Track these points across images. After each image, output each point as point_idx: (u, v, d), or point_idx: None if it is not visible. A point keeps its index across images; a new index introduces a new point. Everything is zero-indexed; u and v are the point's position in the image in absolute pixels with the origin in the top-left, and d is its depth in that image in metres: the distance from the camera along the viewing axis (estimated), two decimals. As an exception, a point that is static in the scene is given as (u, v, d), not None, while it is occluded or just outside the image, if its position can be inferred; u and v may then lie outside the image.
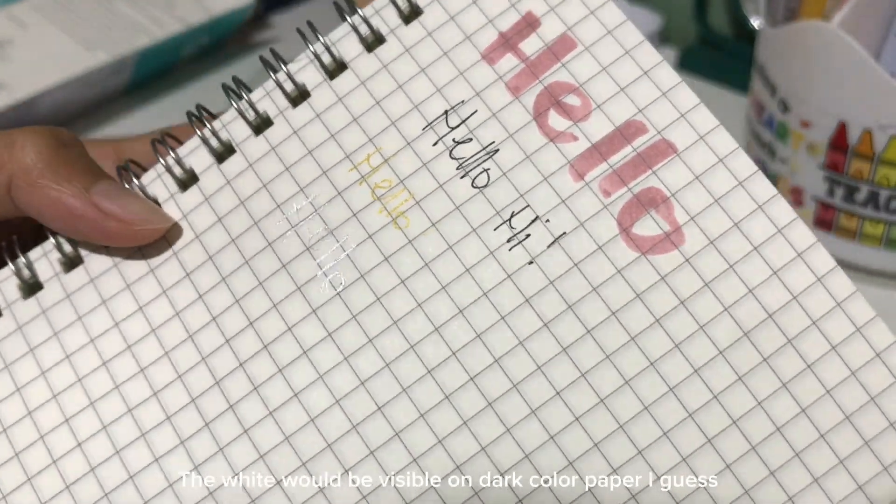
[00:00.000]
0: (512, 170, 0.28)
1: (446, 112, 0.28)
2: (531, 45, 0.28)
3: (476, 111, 0.28)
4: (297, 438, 0.27)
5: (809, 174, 0.51)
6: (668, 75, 0.28)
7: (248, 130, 0.32)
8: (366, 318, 0.28)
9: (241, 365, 0.28)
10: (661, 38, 0.78)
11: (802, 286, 0.27)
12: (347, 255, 0.28)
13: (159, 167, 0.32)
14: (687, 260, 0.27)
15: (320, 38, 0.32)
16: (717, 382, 0.27)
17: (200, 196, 0.31)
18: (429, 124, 0.29)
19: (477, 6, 0.29)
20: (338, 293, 0.28)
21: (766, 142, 0.53)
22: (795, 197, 0.52)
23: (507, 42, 0.28)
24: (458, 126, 0.28)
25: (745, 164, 0.27)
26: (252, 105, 0.32)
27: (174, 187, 0.32)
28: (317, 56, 0.31)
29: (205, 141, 0.32)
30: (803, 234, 0.27)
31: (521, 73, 0.28)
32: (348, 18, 0.32)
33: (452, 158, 0.28)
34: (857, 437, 0.27)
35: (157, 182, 0.32)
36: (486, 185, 0.27)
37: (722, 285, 0.27)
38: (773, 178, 0.53)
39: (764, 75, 0.52)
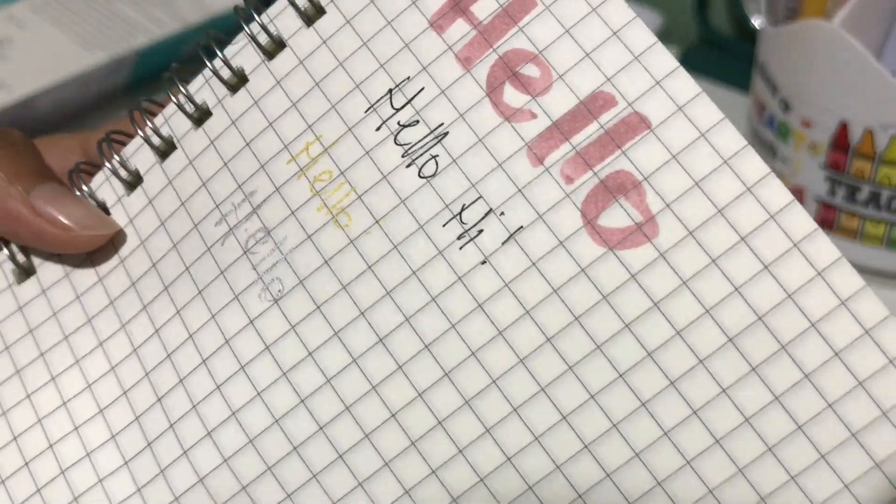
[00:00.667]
0: (462, 156, 0.24)
1: (390, 91, 0.24)
2: (484, 8, 0.24)
3: (423, 89, 0.24)
4: (236, 461, 0.25)
5: (811, 174, 0.51)
6: (642, 35, 0.24)
7: (188, 124, 0.30)
8: (304, 329, 0.25)
9: (181, 381, 0.26)
10: (661, 38, 0.78)
11: (800, 282, 0.23)
12: (285, 258, 0.25)
13: (106, 170, 0.31)
14: (662, 255, 0.23)
15: (256, 16, 0.29)
16: (698, 396, 0.23)
17: (145, 198, 0.30)
18: (371, 106, 0.25)
19: None
20: (275, 301, 0.26)
21: (767, 141, 0.53)
22: (797, 197, 0.52)
23: (458, 5, 0.24)
24: (403, 107, 0.24)
25: (731, 139, 0.23)
26: (189, 97, 0.30)
27: (121, 190, 0.30)
28: (252, 37, 0.29)
29: (146, 140, 0.30)
30: (801, 220, 0.24)
31: (473, 42, 0.24)
32: None
33: (397, 145, 0.24)
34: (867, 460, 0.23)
35: (105, 185, 0.31)
36: (433, 175, 0.24)
37: (703, 283, 0.23)
38: (774, 178, 0.53)
39: (765, 75, 0.52)
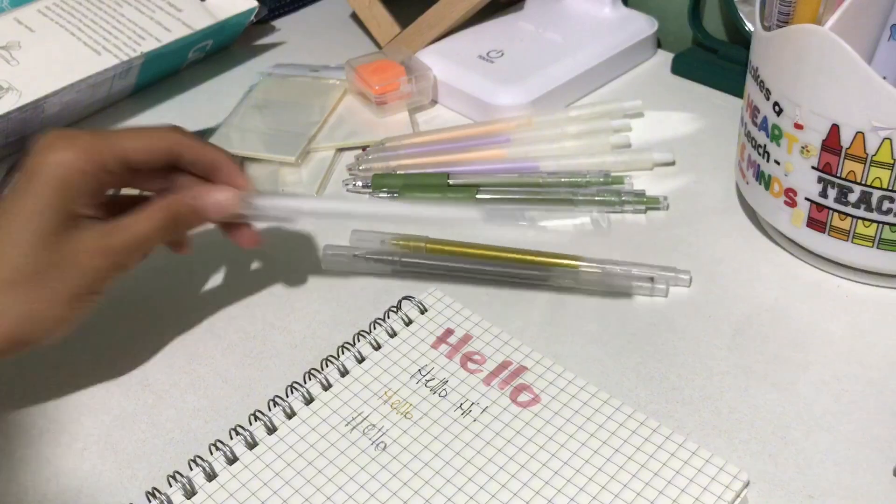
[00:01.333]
0: (460, 384, 0.49)
1: (420, 370, 0.50)
2: (453, 340, 0.51)
3: (434, 368, 0.50)
4: None
5: (803, 175, 0.52)
6: (503, 336, 0.51)
7: None
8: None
9: None
10: (656, 42, 0.79)
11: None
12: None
13: None
14: (545, 406, 0.47)
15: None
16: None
17: None
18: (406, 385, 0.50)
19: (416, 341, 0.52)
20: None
21: (760, 144, 0.54)
22: (789, 198, 0.53)
23: (441, 340, 0.51)
24: (426, 375, 0.49)
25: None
26: None
27: None
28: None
29: None
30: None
31: (451, 351, 0.50)
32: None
33: (436, 396, 0.48)
34: None
35: None
36: (444, 395, 0.48)
37: (562, 414, 0.47)
38: (768, 180, 0.54)
39: (758, 78, 0.53)
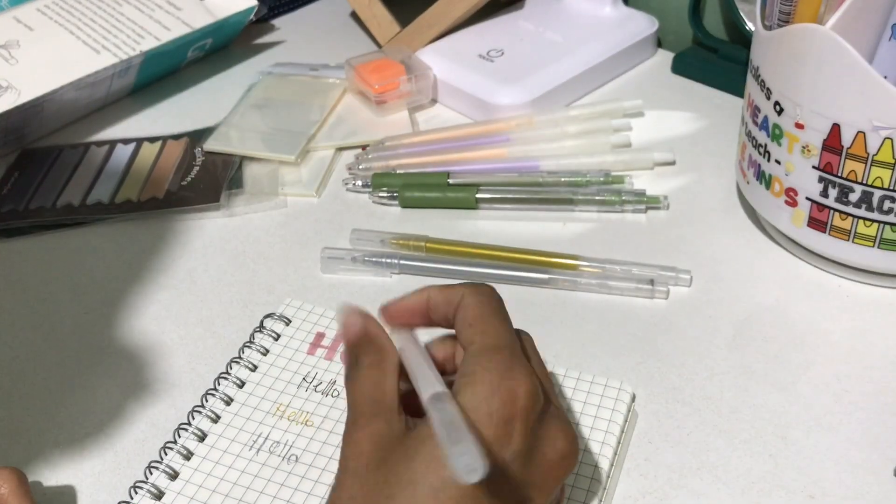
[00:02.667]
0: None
1: (304, 378, 0.49)
2: (326, 342, 0.51)
3: (318, 372, 0.49)
4: None
5: (804, 175, 0.51)
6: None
7: None
8: None
9: None
10: (656, 42, 0.79)
11: None
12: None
13: None
14: None
15: None
16: None
17: None
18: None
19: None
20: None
21: (760, 143, 0.54)
22: (790, 197, 0.53)
23: (315, 345, 0.50)
24: (312, 381, 0.49)
25: None
26: None
27: None
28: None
29: None
30: None
31: (329, 353, 0.50)
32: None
33: (317, 392, 0.48)
34: None
35: None
36: (336, 395, 0.48)
37: None
38: (769, 180, 0.54)
39: (758, 78, 0.53)
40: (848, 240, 0.52)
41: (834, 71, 0.47)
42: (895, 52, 0.53)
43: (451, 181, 0.63)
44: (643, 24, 0.77)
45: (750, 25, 0.72)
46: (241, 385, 0.49)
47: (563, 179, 0.62)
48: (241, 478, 0.44)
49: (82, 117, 0.74)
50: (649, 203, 0.61)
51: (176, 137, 0.71)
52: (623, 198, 0.61)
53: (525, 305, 0.54)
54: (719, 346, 0.51)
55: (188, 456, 0.45)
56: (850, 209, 0.50)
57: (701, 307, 0.53)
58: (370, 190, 0.64)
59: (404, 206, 0.63)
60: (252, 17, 0.80)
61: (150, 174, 0.66)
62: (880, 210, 0.50)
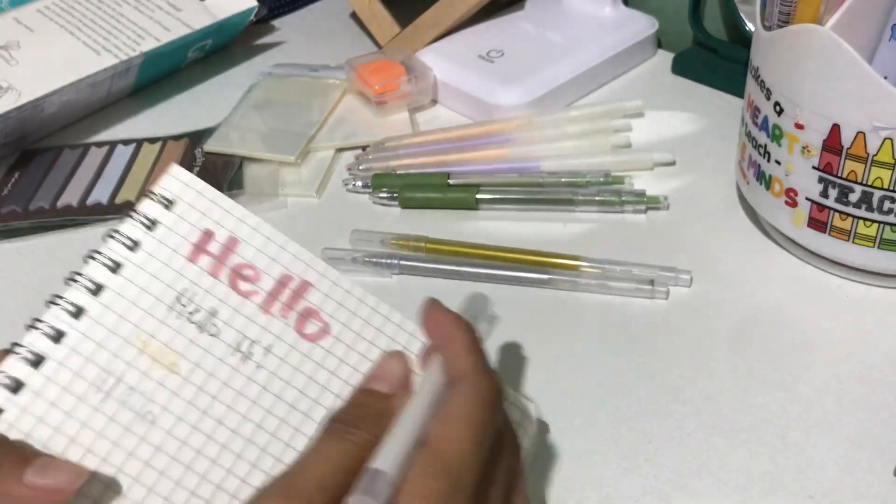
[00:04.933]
0: (231, 319, 0.39)
1: (178, 299, 0.38)
2: (215, 248, 0.39)
3: (198, 293, 0.39)
4: None
5: (804, 175, 0.51)
6: (278, 237, 0.41)
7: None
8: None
9: None
10: (656, 42, 0.79)
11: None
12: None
13: None
14: (336, 338, 0.40)
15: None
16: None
17: None
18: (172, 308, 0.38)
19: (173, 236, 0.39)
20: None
21: (760, 144, 0.54)
22: (790, 198, 0.53)
23: (199, 248, 0.39)
24: (188, 305, 0.38)
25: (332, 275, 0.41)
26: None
27: None
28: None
29: None
30: None
31: (215, 265, 0.39)
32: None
33: (192, 323, 0.38)
34: None
35: None
36: (216, 334, 0.38)
37: (355, 348, 0.40)
38: (769, 180, 0.54)
39: (758, 78, 0.53)
40: (848, 240, 0.52)
41: (834, 71, 0.47)
42: (895, 53, 0.53)
43: (451, 182, 0.63)
44: (643, 25, 0.77)
45: (750, 26, 0.72)
46: (96, 292, 0.37)
47: (563, 180, 0.62)
48: (80, 433, 0.35)
49: (82, 118, 0.75)
50: (649, 203, 0.61)
51: (176, 138, 0.71)
52: (623, 198, 0.61)
53: (525, 306, 0.54)
54: (719, 346, 0.51)
55: (15, 388, 0.35)
56: (850, 209, 0.50)
57: (701, 307, 0.53)
58: (370, 190, 0.64)
59: (404, 207, 0.63)
60: (252, 17, 0.81)
61: (150, 175, 0.66)
62: (880, 210, 0.50)
